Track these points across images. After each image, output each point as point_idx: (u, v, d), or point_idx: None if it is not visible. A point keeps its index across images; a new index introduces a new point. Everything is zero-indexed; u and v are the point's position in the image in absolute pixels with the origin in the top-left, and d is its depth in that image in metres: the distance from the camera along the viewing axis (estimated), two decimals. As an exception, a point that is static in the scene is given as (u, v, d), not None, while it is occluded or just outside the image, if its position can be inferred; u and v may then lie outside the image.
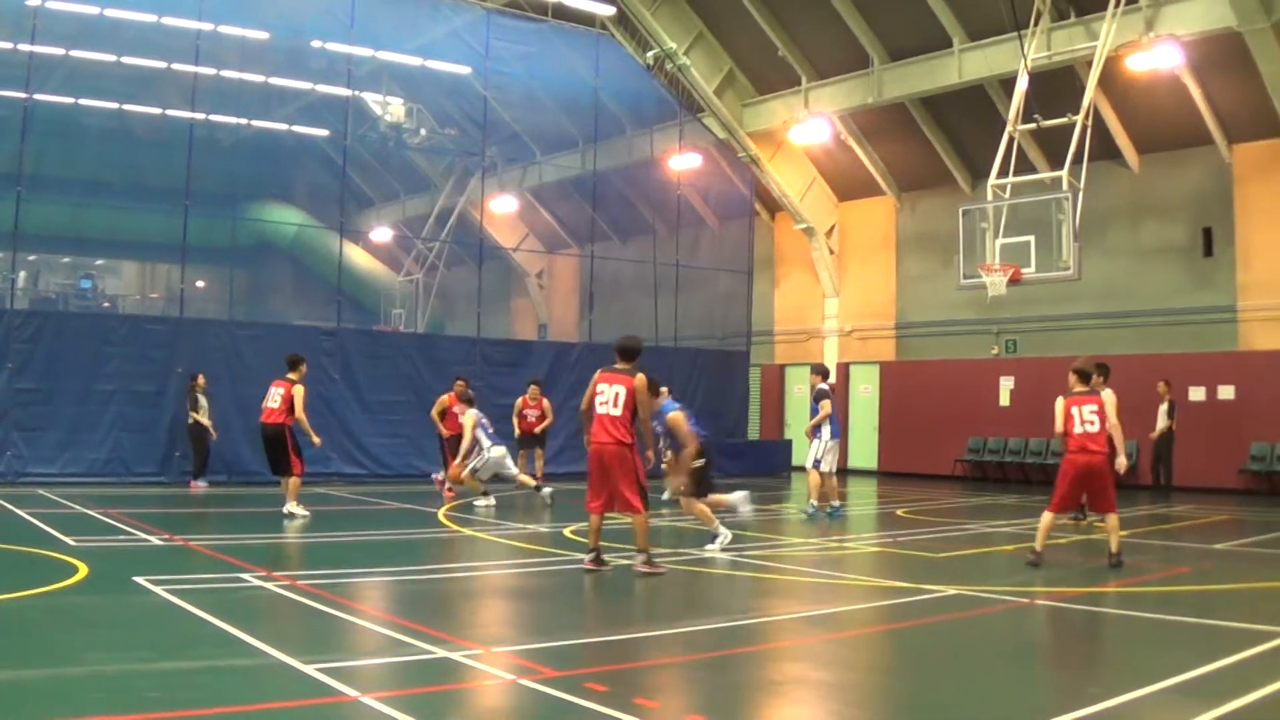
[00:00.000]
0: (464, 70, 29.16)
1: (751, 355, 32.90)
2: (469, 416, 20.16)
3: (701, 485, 14.71)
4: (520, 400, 23.18)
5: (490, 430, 20.27)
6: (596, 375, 12.50)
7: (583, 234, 33.85)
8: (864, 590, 12.10)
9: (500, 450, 20.19)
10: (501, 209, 37.04)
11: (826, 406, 18.96)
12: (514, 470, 20.64)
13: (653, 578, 11.96)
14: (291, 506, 17.05)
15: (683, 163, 32.00)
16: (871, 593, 11.88)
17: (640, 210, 33.89)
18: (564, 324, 36.83)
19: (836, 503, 19.38)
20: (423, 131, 34.55)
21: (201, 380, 22.32)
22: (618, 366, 12.44)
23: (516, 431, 22.73)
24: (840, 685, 8.04)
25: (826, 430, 19.02)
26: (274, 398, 17.46)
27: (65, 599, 10.10)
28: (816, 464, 19.05)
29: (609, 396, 12.19)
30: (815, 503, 19.09)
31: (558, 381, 25.94)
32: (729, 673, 8.17)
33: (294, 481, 17.34)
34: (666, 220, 32.50)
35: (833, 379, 20.96)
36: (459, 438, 20.58)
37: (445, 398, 21.86)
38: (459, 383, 21.93)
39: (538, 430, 23.04)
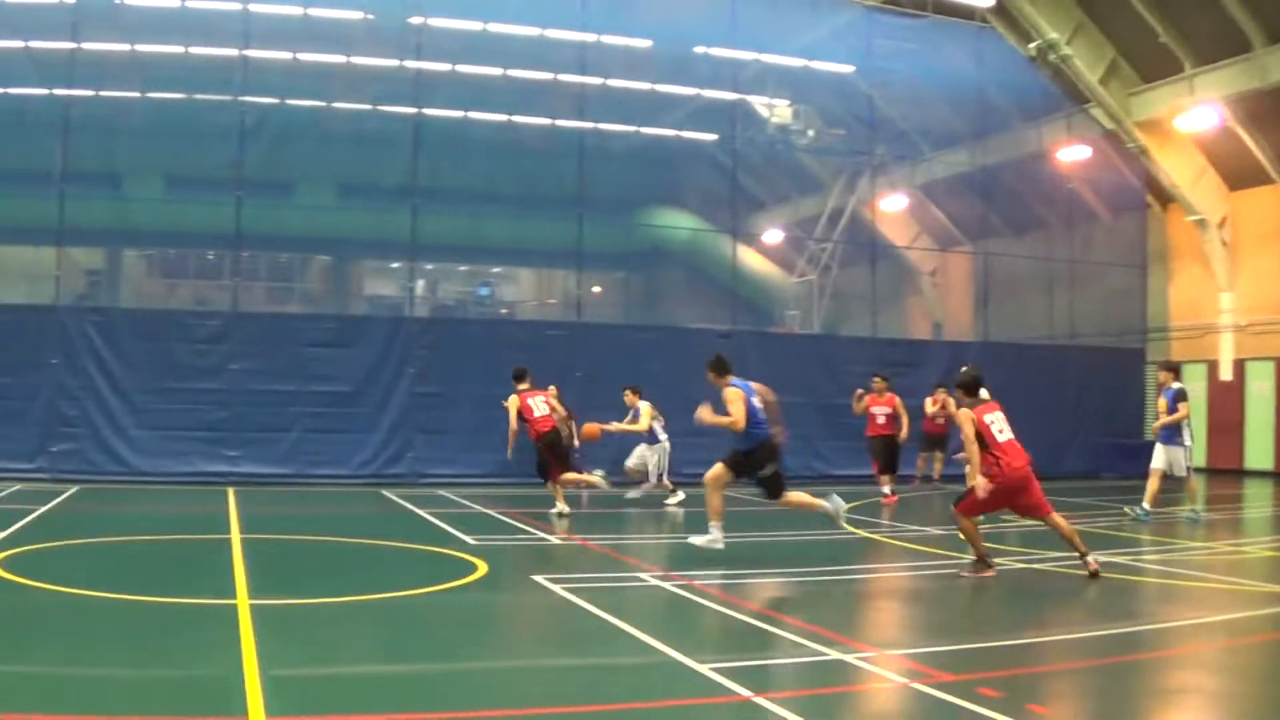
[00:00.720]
0: (847, 69, 29.00)
1: (1147, 352, 31.56)
2: (646, 407, 20.48)
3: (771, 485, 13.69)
4: (928, 401, 22.93)
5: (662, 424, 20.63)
6: (973, 411, 12.16)
7: (974, 230, 33.02)
8: (1259, 596, 11.56)
9: (665, 445, 20.59)
10: (892, 207, 36.49)
11: (1186, 408, 18.45)
12: (651, 469, 20.71)
13: (1049, 581, 11.83)
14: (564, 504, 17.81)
15: (1071, 155, 31.01)
16: (1267, 599, 11.35)
17: (1030, 205, 32.85)
18: (958, 322, 35.97)
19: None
20: (810, 132, 34.39)
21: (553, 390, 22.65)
22: (982, 398, 12.34)
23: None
24: (1231, 695, 7.80)
25: (1187, 432, 18.65)
26: (542, 407, 18.21)
27: (465, 596, 10.57)
28: (1189, 470, 18.73)
29: (1005, 425, 12.19)
30: (1197, 508, 18.76)
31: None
32: (1121, 679, 8.02)
33: (570, 476, 18.16)
34: (1057, 215, 31.56)
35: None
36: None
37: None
38: (878, 380, 21.77)
39: (941, 432, 22.74)
